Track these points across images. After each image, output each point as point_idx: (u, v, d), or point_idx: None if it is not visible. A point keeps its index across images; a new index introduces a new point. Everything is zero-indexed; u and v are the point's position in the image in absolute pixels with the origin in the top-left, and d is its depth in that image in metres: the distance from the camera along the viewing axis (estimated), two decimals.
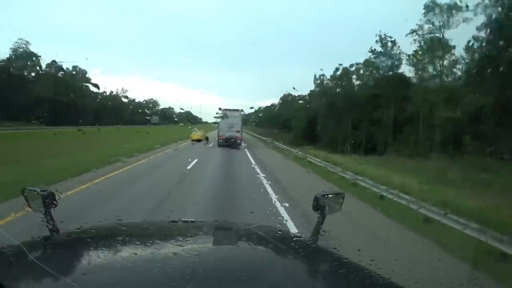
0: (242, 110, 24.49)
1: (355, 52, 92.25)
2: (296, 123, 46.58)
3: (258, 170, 12.40)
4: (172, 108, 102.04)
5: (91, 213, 5.31)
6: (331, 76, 45.09)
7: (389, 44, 36.70)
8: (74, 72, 59.81)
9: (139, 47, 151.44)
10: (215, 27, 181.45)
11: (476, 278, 3.62)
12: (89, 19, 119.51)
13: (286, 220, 5.62)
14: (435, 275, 3.22)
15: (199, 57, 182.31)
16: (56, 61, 54.09)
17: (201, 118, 77.23)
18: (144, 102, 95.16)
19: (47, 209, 1.29)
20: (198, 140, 24.80)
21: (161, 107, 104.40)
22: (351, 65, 42.23)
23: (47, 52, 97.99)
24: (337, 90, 42.23)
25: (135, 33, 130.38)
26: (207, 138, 26.00)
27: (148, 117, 68.36)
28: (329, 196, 1.52)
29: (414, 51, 33.34)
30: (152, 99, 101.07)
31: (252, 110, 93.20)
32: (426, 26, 31.23)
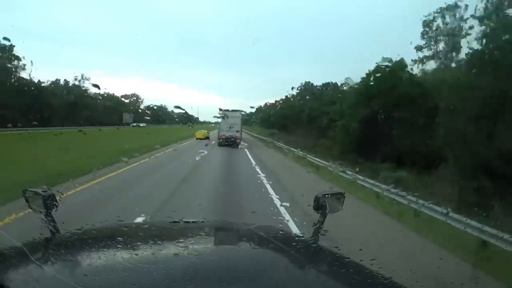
0: (241, 111, 24.84)
1: (354, 51, 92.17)
2: (346, 123, 23.36)
3: None
4: (166, 107, 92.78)
5: None
6: None
7: None
8: None
9: (138, 47, 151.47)
10: (213, 27, 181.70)
11: (477, 277, 3.62)
12: (88, 19, 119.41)
13: None
14: (436, 274, 3.22)
15: (197, 57, 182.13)
16: None
17: (198, 118, 73.02)
18: (121, 97, 76.96)
19: (48, 210, 1.30)
20: (201, 138, 28.85)
21: (157, 104, 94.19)
22: None
23: (47, 52, 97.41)
24: None
25: (134, 33, 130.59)
26: (208, 138, 28.90)
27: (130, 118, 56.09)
28: (330, 195, 1.51)
29: None
30: (134, 94, 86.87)
31: (253, 110, 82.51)
32: None
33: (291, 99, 54.23)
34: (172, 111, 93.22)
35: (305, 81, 53.66)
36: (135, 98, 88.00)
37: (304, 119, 39.86)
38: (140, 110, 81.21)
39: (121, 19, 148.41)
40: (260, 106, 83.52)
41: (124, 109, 65.49)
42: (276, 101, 58.28)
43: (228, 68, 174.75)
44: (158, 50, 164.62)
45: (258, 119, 71.37)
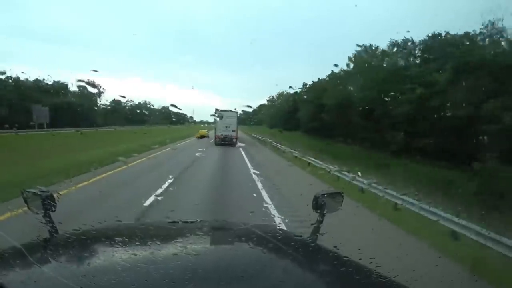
0: (237, 111, 24.74)
1: (352, 51, 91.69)
2: None
3: None
4: (151, 104, 75.25)
5: None
6: None
7: None
8: None
9: (135, 47, 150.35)
10: (211, 27, 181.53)
11: (475, 275, 3.63)
12: (86, 19, 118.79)
13: None
14: (436, 274, 3.23)
15: (195, 57, 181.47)
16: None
17: (192, 117, 62.73)
18: (49, 83, 45.84)
19: (46, 211, 1.29)
20: (202, 137, 29.23)
21: (137, 101, 70.62)
22: None
23: (47, 52, 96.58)
24: None
25: (131, 33, 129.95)
26: (207, 136, 29.59)
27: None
28: (328, 195, 1.51)
29: None
30: (93, 81, 57.76)
31: (251, 110, 62.81)
32: None
33: (340, 74, 30.69)
34: (161, 108, 73.12)
35: (367, 44, 29.80)
36: (85, 85, 59.15)
37: (406, 110, 18.21)
38: (98, 106, 56.68)
39: (119, 19, 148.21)
40: (272, 96, 63.01)
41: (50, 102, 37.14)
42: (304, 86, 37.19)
43: (226, 67, 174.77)
44: (155, 50, 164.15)
45: (256, 119, 59.16)
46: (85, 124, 37.85)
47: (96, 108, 55.27)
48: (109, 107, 60.68)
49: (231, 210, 6.15)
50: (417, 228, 5.66)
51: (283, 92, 54.56)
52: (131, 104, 68.67)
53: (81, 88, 50.04)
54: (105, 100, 58.86)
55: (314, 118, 29.03)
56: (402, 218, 6.37)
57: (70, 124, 32.80)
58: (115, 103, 60.60)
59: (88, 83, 47.91)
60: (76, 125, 33.15)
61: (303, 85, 38.97)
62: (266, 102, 67.29)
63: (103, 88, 56.51)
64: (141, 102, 74.75)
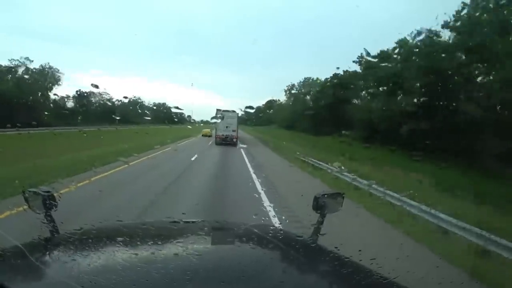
0: (237, 112, 24.81)
1: (353, 51, 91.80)
2: None
3: None
4: (142, 101, 64.93)
5: None
6: None
7: None
8: None
9: (136, 46, 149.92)
10: (212, 27, 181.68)
11: (476, 276, 3.62)
12: (87, 19, 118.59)
13: None
14: (436, 274, 3.22)
15: (196, 57, 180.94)
16: None
17: (190, 116, 57.73)
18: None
19: (48, 211, 1.30)
20: (205, 136, 30.58)
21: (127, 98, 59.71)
22: None
23: (47, 52, 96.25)
24: None
25: (133, 32, 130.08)
26: (210, 135, 30.53)
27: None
28: (329, 195, 1.51)
29: None
30: (47, 64, 41.09)
31: (252, 110, 55.24)
32: None
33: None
34: (157, 106, 65.38)
35: None
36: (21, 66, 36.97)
37: None
38: (46, 99, 39.86)
39: (120, 19, 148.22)
40: (292, 85, 49.76)
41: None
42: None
43: (227, 67, 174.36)
44: (156, 50, 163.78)
45: (263, 118, 53.29)
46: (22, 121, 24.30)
47: (41, 100, 38.85)
48: (68, 102, 44.57)
49: None
50: None
51: (309, 78, 38.71)
52: (109, 98, 52.07)
53: (30, 73, 35.61)
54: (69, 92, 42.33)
55: (393, 116, 15.87)
56: None
57: None
58: (83, 95, 43.41)
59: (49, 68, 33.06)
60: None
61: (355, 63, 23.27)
62: (281, 98, 52.89)
63: (61, 75, 40.59)
64: (131, 99, 63.03)
